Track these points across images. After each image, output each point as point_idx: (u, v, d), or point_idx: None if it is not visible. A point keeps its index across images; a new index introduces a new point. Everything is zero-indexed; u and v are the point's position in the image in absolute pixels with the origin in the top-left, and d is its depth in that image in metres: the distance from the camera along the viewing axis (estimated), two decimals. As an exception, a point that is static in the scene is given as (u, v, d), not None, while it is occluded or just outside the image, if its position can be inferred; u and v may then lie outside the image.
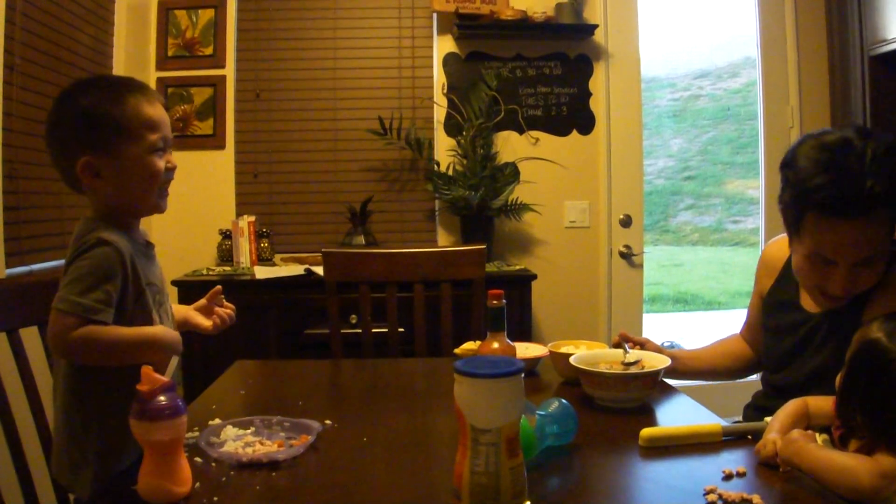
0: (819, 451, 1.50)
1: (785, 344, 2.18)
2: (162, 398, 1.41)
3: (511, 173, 4.52)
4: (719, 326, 9.27)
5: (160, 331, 1.76)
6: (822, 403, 1.67)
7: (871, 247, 1.83)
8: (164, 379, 1.43)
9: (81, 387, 1.79)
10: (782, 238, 2.21)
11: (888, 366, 1.46)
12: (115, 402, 1.75)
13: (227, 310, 2.18)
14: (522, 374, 1.20)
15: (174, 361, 1.65)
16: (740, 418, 2.39)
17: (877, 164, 1.77)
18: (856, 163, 1.79)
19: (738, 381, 2.61)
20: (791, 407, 1.71)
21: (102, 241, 1.72)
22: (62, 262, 1.78)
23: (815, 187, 1.81)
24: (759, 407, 2.20)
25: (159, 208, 1.90)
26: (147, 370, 1.42)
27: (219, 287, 2.17)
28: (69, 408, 1.82)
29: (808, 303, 2.15)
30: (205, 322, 2.14)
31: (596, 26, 4.62)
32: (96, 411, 1.79)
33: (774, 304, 2.27)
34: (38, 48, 3.32)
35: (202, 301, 2.17)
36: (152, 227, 4.45)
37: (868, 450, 1.47)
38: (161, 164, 1.84)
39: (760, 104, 4.98)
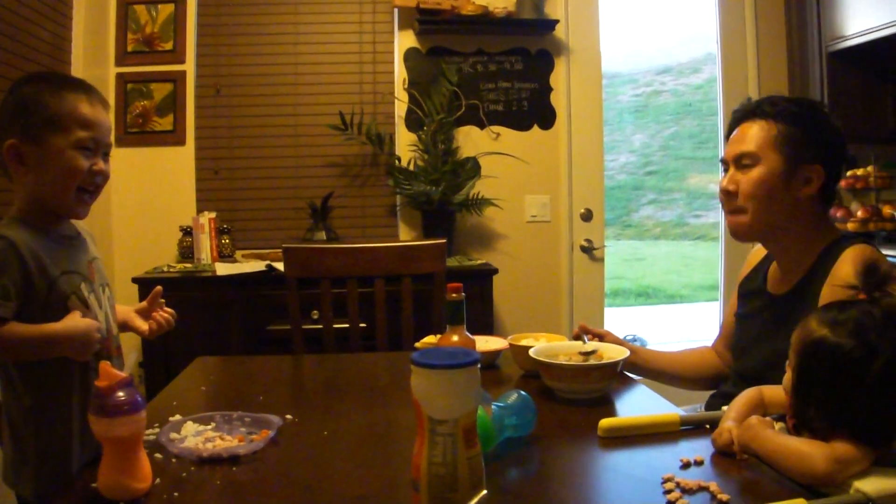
0: (776, 437, 1.52)
1: (750, 330, 2.25)
2: (120, 394, 1.40)
3: (472, 168, 4.52)
4: (681, 319, 9.36)
5: (61, 327, 1.70)
6: (777, 393, 1.68)
7: (744, 147, 2.12)
8: (123, 374, 1.42)
9: (16, 381, 1.78)
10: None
11: (842, 360, 1.48)
12: (48, 395, 1.78)
13: (165, 314, 2.14)
14: (479, 365, 1.21)
15: (132, 358, 1.64)
16: (701, 405, 2.42)
17: (792, 100, 2.18)
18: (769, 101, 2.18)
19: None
20: (746, 396, 1.73)
21: None
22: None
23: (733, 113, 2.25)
24: (725, 394, 2.22)
25: (75, 213, 1.87)
26: (105, 365, 1.42)
27: (159, 288, 2.13)
28: (8, 403, 1.82)
29: (773, 286, 2.23)
30: (142, 325, 2.10)
31: (557, 21, 4.63)
32: (32, 406, 1.78)
33: (746, 294, 2.36)
34: (-6, 44, 3.29)
35: (143, 303, 2.14)
36: (112, 224, 4.43)
37: (823, 437, 1.49)
38: (83, 162, 1.80)
39: (720, 100, 5.02)
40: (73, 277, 1.82)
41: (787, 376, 1.60)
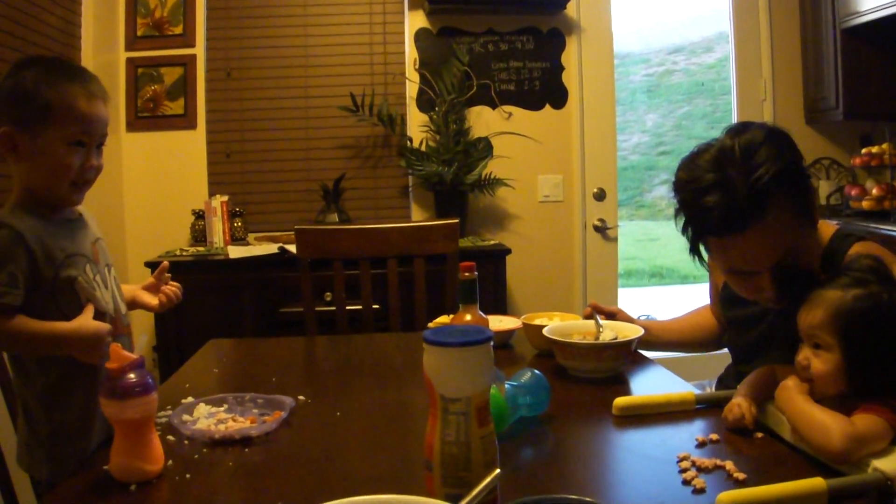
0: (804, 403, 1.51)
1: (749, 337, 2.14)
2: (131, 376, 1.40)
3: (484, 148, 4.51)
4: (695, 300, 9.30)
5: (71, 328, 1.70)
6: (789, 372, 1.67)
7: (784, 244, 1.72)
8: (133, 356, 1.42)
9: (28, 364, 1.80)
10: None
11: (888, 306, 1.50)
12: (60, 377, 1.79)
13: (172, 287, 2.18)
14: (491, 343, 1.19)
15: (143, 340, 1.64)
16: (710, 382, 2.41)
17: (759, 154, 1.69)
18: (733, 166, 1.70)
19: (712, 352, 2.60)
20: (759, 373, 1.72)
21: (1, 226, 1.72)
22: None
23: (703, 212, 1.72)
24: (732, 387, 2.19)
25: (70, 201, 1.88)
26: (115, 347, 1.41)
27: (165, 264, 2.17)
28: (20, 386, 1.84)
29: None
30: (151, 300, 2.15)
31: (568, 0, 4.59)
32: (43, 387, 1.80)
33: (731, 299, 2.15)
34: (4, 30, 3.27)
35: (151, 279, 2.18)
36: (124, 208, 4.43)
37: (847, 410, 1.48)
38: (74, 159, 1.79)
39: (733, 78, 4.98)
40: (77, 259, 1.83)
41: (805, 356, 1.58)
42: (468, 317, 1.93)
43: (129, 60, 4.52)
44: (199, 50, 4.56)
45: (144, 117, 4.51)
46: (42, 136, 1.76)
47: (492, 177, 4.46)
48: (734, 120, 4.96)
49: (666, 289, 10.25)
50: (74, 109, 1.78)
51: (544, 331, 2.14)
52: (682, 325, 2.55)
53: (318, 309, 3.12)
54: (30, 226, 1.74)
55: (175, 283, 2.19)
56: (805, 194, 1.76)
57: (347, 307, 3.08)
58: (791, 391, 1.55)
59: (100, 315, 1.80)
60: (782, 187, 1.67)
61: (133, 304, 2.11)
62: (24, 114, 1.75)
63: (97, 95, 1.84)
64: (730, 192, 1.67)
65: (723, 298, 2.26)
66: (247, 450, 1.57)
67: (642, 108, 12.03)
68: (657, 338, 2.44)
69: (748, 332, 2.14)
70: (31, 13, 3.52)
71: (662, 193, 12.05)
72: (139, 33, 4.53)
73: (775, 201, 1.66)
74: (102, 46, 4.27)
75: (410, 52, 4.66)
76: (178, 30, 4.54)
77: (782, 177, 1.67)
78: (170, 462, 1.49)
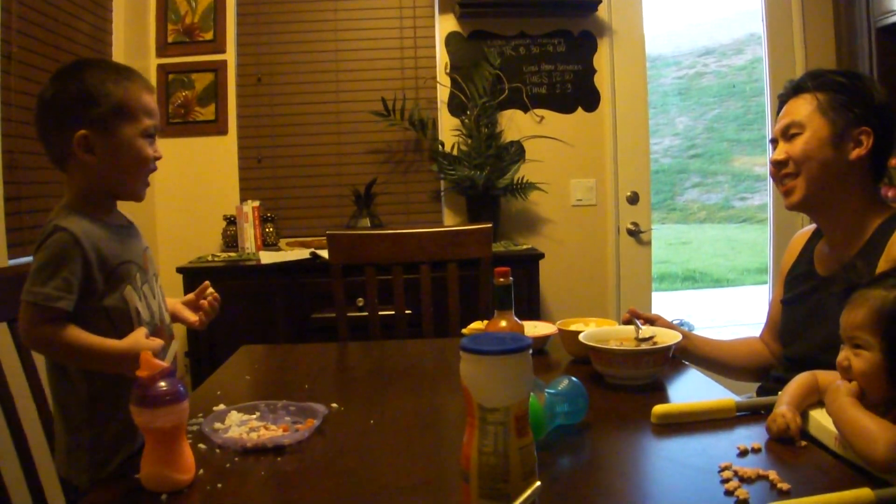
0: (851, 408, 1.48)
1: (799, 313, 2.20)
2: (162, 384, 1.39)
3: (516, 152, 4.49)
4: (728, 303, 9.29)
5: (125, 346, 1.72)
6: (830, 378, 1.64)
7: (822, 140, 2.06)
8: (164, 364, 1.40)
9: (71, 372, 1.81)
10: (805, 229, 2.38)
11: None
12: (103, 387, 1.81)
13: (209, 299, 2.18)
14: (530, 351, 1.17)
15: (174, 346, 1.63)
16: (751, 395, 2.37)
17: (866, 81, 2.12)
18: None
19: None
20: (801, 380, 1.69)
21: (57, 228, 1.74)
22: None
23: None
24: (778, 378, 2.18)
25: (138, 195, 1.94)
26: (146, 356, 1.40)
27: (206, 283, 2.20)
28: (59, 391, 1.85)
29: (821, 267, 2.19)
30: (191, 317, 2.17)
31: (599, 2, 4.56)
32: (86, 397, 1.81)
33: (793, 279, 2.31)
34: (35, 37, 3.28)
35: (191, 296, 2.19)
36: (156, 214, 4.44)
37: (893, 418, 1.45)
38: (150, 150, 1.88)
39: (767, 79, 4.92)
40: (130, 267, 1.86)
41: (845, 356, 1.56)
42: (504, 323, 1.91)
43: (160, 67, 4.53)
44: (230, 56, 4.56)
45: (176, 123, 4.52)
46: (119, 133, 1.83)
47: (524, 181, 4.43)
48: (768, 121, 4.91)
49: (699, 292, 10.20)
50: (143, 103, 1.88)
51: (581, 337, 2.12)
52: (722, 346, 2.52)
53: (350, 314, 3.10)
54: (86, 229, 1.77)
55: (212, 293, 2.20)
56: (848, 127, 2.06)
57: (380, 313, 3.06)
58: (839, 393, 1.52)
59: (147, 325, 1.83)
60: (832, 91, 2.08)
61: (174, 318, 2.13)
62: (98, 114, 1.81)
63: (152, 89, 1.94)
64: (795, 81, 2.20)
65: (787, 282, 2.35)
66: (279, 459, 1.55)
67: (673, 111, 12.01)
68: (696, 347, 2.41)
69: (798, 308, 2.22)
70: (62, 20, 3.53)
71: (694, 196, 12.01)
72: (170, 39, 4.54)
73: (808, 93, 2.12)
74: (133, 53, 4.28)
75: (441, 56, 4.64)
76: (209, 36, 4.55)
77: (835, 84, 2.09)
78: (201, 471, 1.47)
